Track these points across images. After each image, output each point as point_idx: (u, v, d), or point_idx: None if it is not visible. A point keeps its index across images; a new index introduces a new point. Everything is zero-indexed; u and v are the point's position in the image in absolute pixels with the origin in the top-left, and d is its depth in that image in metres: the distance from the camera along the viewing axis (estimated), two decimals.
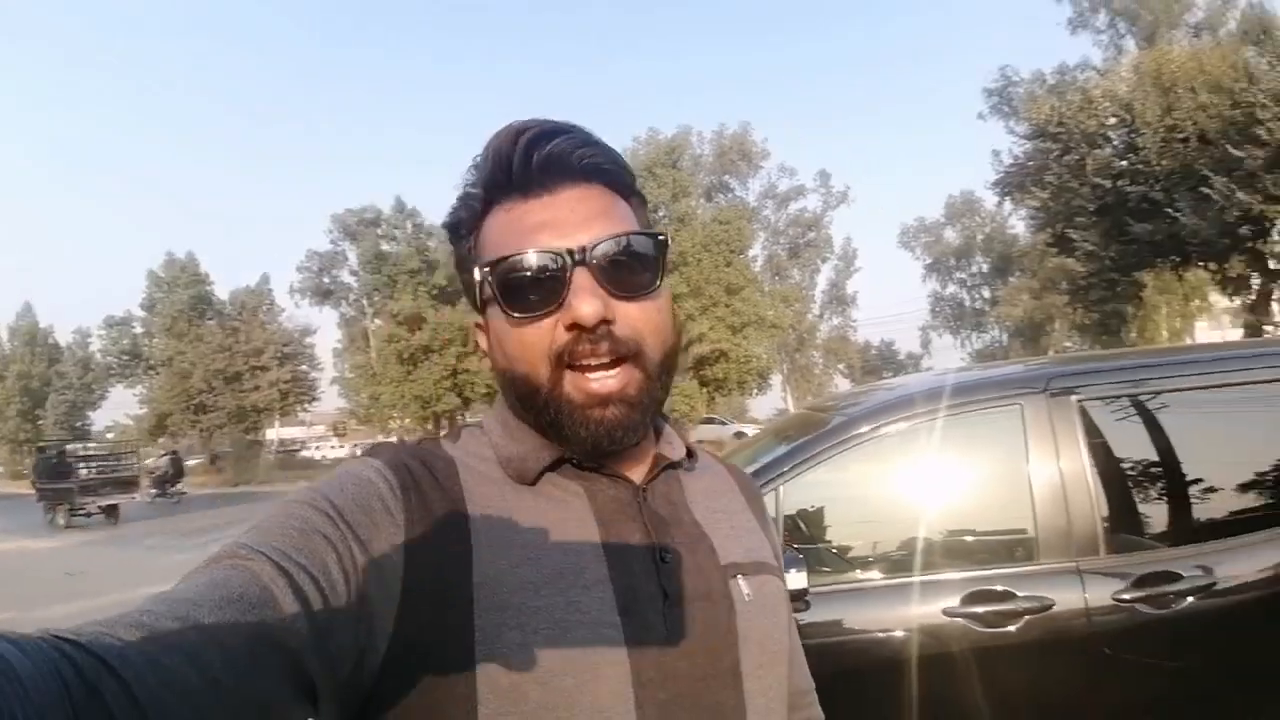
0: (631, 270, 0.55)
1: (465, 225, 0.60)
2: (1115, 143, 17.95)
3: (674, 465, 0.62)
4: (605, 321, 0.53)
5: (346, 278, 32.24)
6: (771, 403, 34.80)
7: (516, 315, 0.55)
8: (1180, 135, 15.91)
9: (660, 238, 0.57)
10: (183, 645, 0.38)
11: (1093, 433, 1.95)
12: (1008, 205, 24.16)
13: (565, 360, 0.54)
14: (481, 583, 0.51)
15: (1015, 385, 2.04)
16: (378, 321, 30.25)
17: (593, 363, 0.53)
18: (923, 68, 69.96)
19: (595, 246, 0.53)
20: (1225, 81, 15.07)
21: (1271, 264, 15.02)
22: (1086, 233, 18.22)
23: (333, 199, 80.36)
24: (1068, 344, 27.55)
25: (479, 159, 0.59)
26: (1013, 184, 20.55)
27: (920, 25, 67.67)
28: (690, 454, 0.66)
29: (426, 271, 27.56)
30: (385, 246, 29.16)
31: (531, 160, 0.55)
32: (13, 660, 0.32)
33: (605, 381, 0.54)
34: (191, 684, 0.37)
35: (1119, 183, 17.12)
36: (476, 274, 0.56)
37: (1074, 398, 1.96)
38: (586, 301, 0.52)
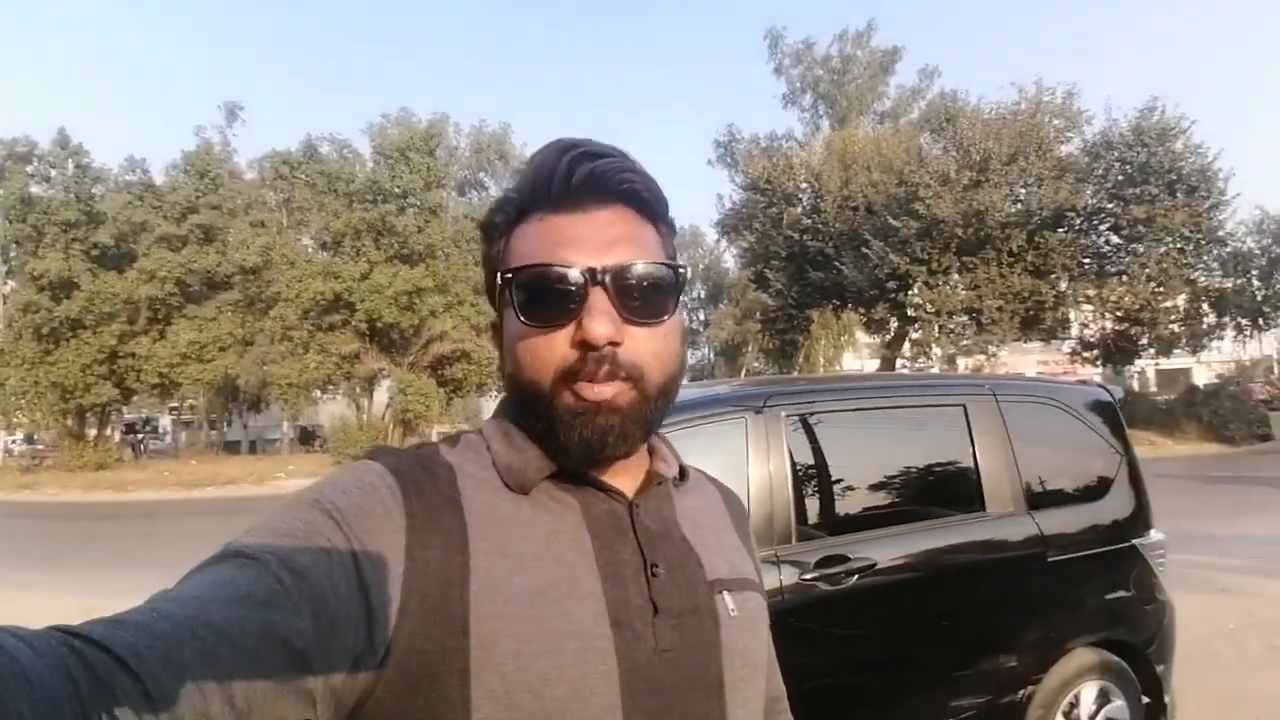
0: (647, 297, 0.56)
1: (499, 229, 0.61)
2: (805, 204, 21.79)
3: (664, 481, 0.64)
4: (613, 343, 0.54)
5: None
6: None
7: (530, 325, 0.56)
8: (852, 205, 19.90)
9: (681, 270, 0.59)
10: (194, 642, 0.39)
11: (792, 442, 2.36)
12: (724, 243, 27.70)
13: (569, 377, 0.55)
14: (479, 590, 0.52)
15: (741, 401, 2.37)
16: (12, 284, 23.23)
17: (592, 379, 0.55)
18: (675, 108, 76.59)
19: (615, 269, 0.55)
20: (897, 163, 19.19)
21: (910, 312, 19.41)
22: (778, 274, 21.82)
23: None
24: (755, 364, 32.27)
25: (523, 166, 0.61)
26: (729, 225, 23.67)
27: (674, 71, 74.57)
28: (683, 473, 0.67)
29: (88, 225, 21.58)
30: (35, 189, 22.12)
31: (572, 177, 0.57)
32: (21, 658, 0.32)
33: (598, 389, 0.55)
34: (204, 680, 0.38)
35: (804, 237, 20.83)
36: (499, 278, 0.58)
37: (782, 413, 2.36)
38: (599, 321, 0.54)
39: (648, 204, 0.60)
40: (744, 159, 24.16)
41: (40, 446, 23.81)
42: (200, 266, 21.25)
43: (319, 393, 22.78)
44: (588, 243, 0.56)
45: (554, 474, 0.58)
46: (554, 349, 0.55)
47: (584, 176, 0.57)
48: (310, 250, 22.51)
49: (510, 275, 0.57)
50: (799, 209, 21.67)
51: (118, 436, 25.46)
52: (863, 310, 21.19)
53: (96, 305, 20.41)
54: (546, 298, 0.56)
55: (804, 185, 21.70)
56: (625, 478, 0.61)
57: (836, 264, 19.85)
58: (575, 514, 0.58)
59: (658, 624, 0.56)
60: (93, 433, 22.37)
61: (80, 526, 12.38)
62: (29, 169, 22.46)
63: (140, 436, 27.85)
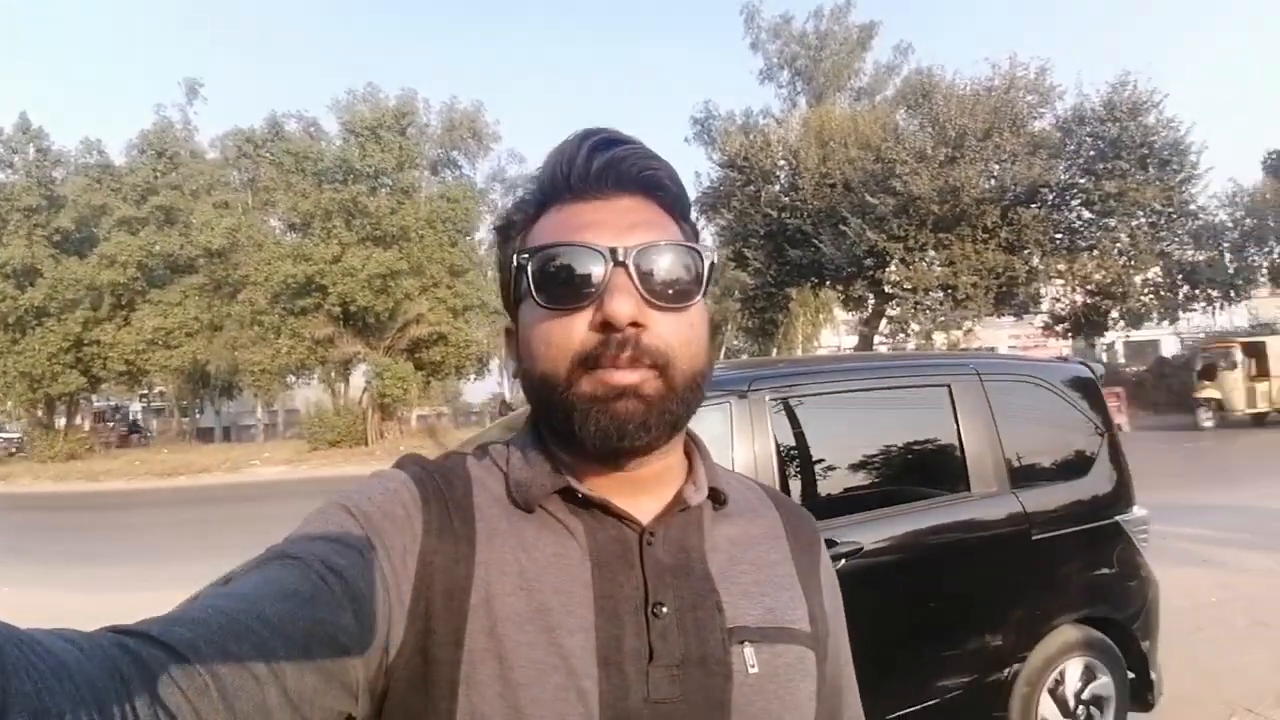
0: (670, 280, 0.54)
1: (516, 227, 0.59)
2: (782, 181, 21.69)
3: (689, 508, 0.58)
4: (636, 325, 0.51)
5: None
6: (488, 388, 34.46)
7: (548, 308, 0.53)
8: (830, 182, 19.85)
9: (707, 254, 0.57)
10: (250, 636, 0.40)
11: (776, 425, 2.32)
12: (702, 221, 27.52)
13: (588, 363, 0.52)
14: (476, 605, 0.51)
15: (725, 386, 2.32)
16: None
17: (614, 365, 0.52)
18: (651, 85, 75.60)
19: (637, 250, 0.53)
20: (874, 140, 19.11)
21: (887, 288, 19.50)
22: (756, 253, 21.78)
23: None
24: (735, 342, 32.33)
25: (543, 163, 0.59)
26: (707, 204, 23.46)
27: (650, 48, 73.47)
28: (716, 496, 0.60)
29: (49, 210, 20.96)
30: None
31: (591, 164, 0.55)
32: (67, 659, 0.32)
33: (622, 375, 0.51)
34: (260, 673, 0.40)
35: (782, 215, 20.77)
36: (515, 261, 0.55)
37: (766, 397, 2.31)
38: (620, 301, 0.51)
39: (670, 197, 0.58)
40: (721, 136, 23.92)
41: (12, 437, 23.47)
42: (161, 249, 20.70)
43: (293, 378, 22.40)
44: (609, 227, 0.54)
45: (565, 493, 0.55)
46: (572, 333, 0.52)
47: (604, 164, 0.55)
48: (278, 232, 21.96)
49: (526, 256, 0.54)
50: (777, 187, 21.56)
51: (87, 426, 24.94)
52: (840, 288, 21.27)
53: (59, 292, 19.97)
54: (566, 278, 0.53)
55: (781, 162, 21.60)
56: (647, 499, 0.57)
57: (815, 242, 19.84)
58: (578, 537, 0.55)
59: (652, 671, 0.51)
60: (62, 422, 21.87)
61: (48, 518, 12.08)
62: None
63: (134, 425, 27.58)
